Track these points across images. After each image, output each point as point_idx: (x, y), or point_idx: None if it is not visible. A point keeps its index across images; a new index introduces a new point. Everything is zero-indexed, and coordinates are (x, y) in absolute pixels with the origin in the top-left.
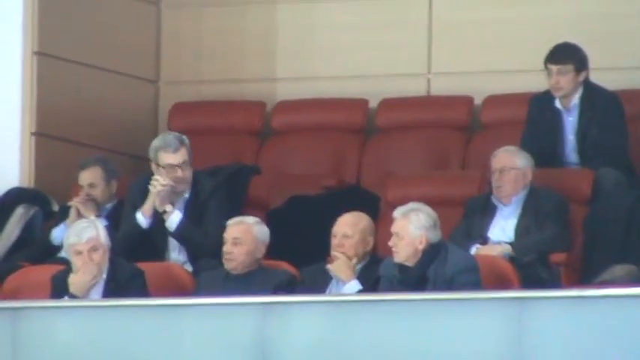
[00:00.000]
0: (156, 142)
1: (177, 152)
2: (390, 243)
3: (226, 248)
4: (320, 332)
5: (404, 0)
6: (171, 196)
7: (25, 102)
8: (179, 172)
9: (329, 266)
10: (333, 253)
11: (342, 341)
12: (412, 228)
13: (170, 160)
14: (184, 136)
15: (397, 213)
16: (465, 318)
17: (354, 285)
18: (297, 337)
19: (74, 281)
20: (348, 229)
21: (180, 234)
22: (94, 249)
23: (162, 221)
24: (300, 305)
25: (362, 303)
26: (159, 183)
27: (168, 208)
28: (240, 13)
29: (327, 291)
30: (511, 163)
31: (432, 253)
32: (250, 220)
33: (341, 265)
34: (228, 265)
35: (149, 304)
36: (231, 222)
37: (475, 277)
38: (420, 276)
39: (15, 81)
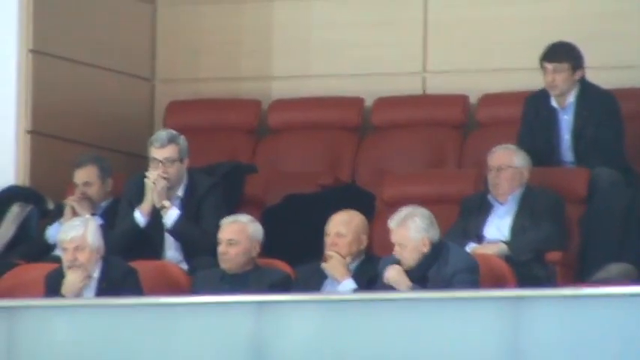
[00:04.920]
0: (152, 137)
1: (162, 148)
2: (395, 254)
3: (222, 249)
4: (315, 331)
5: None
6: (169, 193)
7: (21, 100)
8: (161, 168)
9: (323, 265)
10: (327, 252)
11: (336, 340)
12: (412, 234)
13: (155, 154)
14: (181, 136)
15: (393, 224)
16: (461, 317)
17: (349, 284)
18: (292, 335)
19: (65, 281)
20: (342, 227)
21: (177, 231)
22: (79, 248)
23: (160, 218)
24: (295, 304)
25: (356, 302)
26: (151, 177)
27: (167, 203)
28: (236, 11)
29: (322, 290)
30: (509, 162)
31: (432, 254)
32: (244, 218)
33: (335, 263)
34: (224, 265)
35: (144, 303)
36: (225, 221)
37: (474, 278)
38: (420, 276)
39: (10, 79)
